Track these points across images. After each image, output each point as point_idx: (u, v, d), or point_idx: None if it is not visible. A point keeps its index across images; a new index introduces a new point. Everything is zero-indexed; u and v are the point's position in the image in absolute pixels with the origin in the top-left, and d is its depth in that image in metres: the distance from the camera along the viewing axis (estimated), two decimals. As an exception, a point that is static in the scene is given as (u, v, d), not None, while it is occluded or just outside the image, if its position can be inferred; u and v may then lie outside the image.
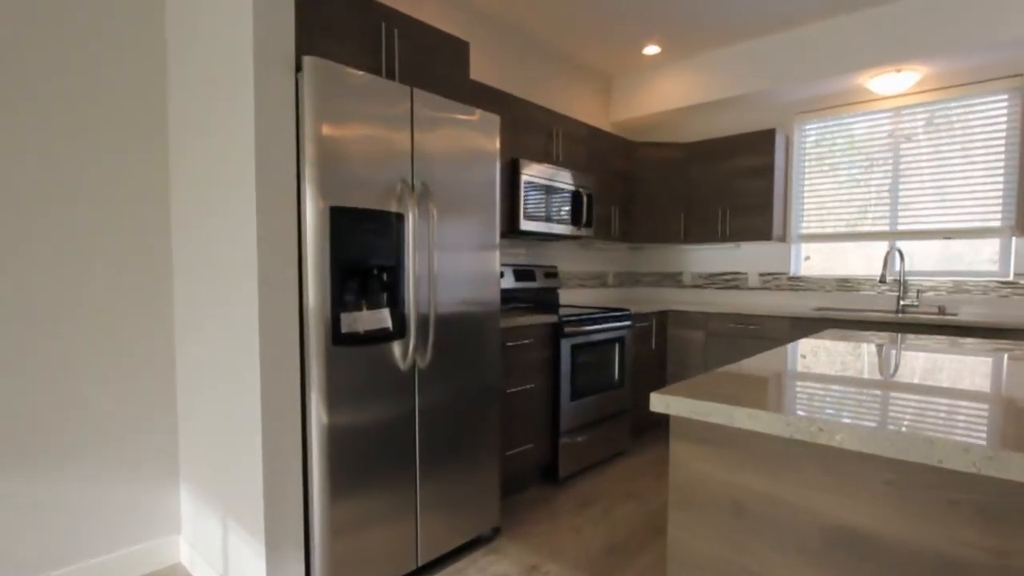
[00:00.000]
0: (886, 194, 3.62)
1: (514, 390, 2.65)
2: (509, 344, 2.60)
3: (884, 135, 3.61)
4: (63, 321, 1.85)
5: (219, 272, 1.79)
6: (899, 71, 3.28)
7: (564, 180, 3.28)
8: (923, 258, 3.52)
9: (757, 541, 0.97)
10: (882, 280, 3.31)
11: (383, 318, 1.84)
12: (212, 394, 1.87)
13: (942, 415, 0.89)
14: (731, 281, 4.28)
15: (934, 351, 1.65)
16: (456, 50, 2.38)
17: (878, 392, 1.07)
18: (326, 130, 1.67)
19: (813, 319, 3.29)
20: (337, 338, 1.71)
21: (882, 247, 3.67)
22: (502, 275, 3.29)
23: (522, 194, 3.01)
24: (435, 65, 2.29)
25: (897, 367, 1.37)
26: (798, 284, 3.96)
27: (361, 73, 1.75)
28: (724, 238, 3.95)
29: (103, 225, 1.93)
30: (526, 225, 3.05)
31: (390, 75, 2.11)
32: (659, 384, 3.90)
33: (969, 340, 1.95)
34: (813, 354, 1.59)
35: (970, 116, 3.31)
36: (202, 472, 1.97)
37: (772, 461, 0.95)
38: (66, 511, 1.87)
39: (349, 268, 1.74)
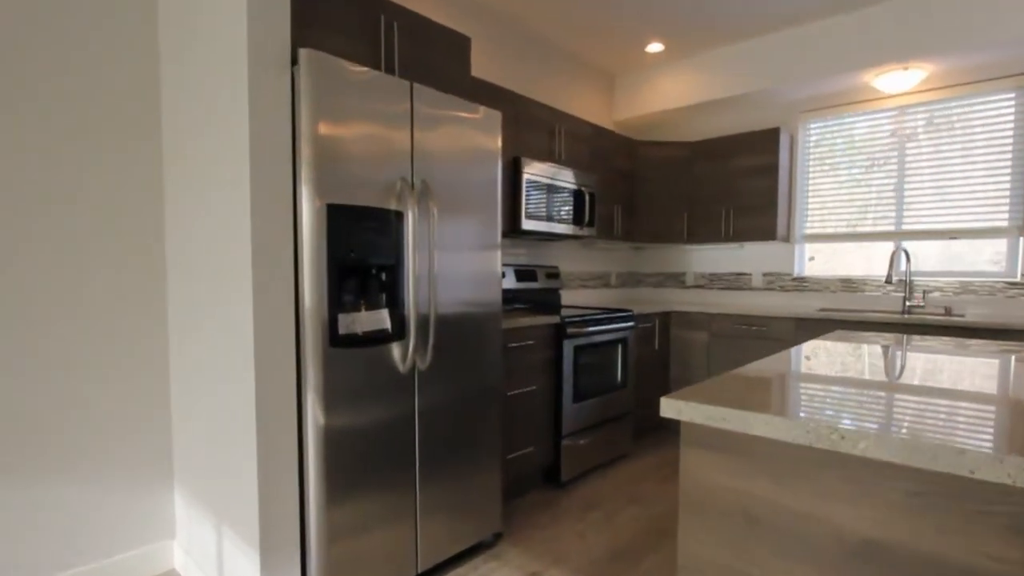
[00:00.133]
0: (891, 194, 3.57)
1: (515, 392, 2.61)
2: (510, 345, 2.56)
3: (886, 135, 3.57)
4: (62, 321, 1.83)
5: (214, 273, 1.75)
6: (906, 68, 3.24)
7: (566, 179, 3.24)
8: (924, 258, 3.49)
9: (771, 552, 0.93)
10: (888, 280, 3.26)
11: (382, 319, 1.79)
12: (207, 395, 1.83)
13: (968, 422, 0.85)
14: (735, 282, 4.24)
15: (948, 353, 1.60)
16: (457, 45, 2.33)
17: (897, 397, 1.03)
18: (323, 127, 1.63)
19: (818, 320, 3.25)
20: (335, 339, 1.67)
21: (883, 247, 3.63)
22: (503, 275, 3.24)
23: (524, 193, 2.96)
24: (436, 60, 2.24)
25: (914, 370, 1.33)
26: (802, 285, 3.92)
27: (360, 67, 1.70)
28: (728, 238, 3.90)
29: (103, 225, 1.91)
30: (528, 224, 3.00)
31: (389, 70, 2.06)
32: (662, 386, 3.85)
33: (979, 342, 1.91)
34: (826, 355, 1.55)
35: (976, 115, 3.27)
36: (196, 475, 1.93)
37: (788, 469, 0.91)
38: (66, 513, 1.85)
39: (347, 267, 1.70)
